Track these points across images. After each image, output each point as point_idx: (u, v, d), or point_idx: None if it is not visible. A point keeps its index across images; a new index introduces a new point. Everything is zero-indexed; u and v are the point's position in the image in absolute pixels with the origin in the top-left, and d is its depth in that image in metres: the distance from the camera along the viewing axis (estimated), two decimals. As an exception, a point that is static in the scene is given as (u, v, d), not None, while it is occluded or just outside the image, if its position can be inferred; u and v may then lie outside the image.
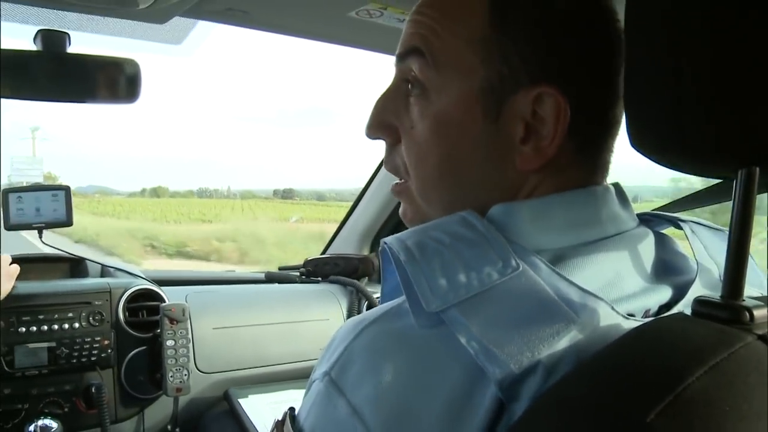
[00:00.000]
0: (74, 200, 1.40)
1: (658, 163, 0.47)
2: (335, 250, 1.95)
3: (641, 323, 0.44)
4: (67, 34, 1.07)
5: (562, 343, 0.42)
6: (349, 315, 1.61)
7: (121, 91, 1.09)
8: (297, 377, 1.49)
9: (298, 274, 1.79)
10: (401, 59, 0.57)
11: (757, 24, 0.38)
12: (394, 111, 0.59)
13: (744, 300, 0.43)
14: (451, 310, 0.44)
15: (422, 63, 0.55)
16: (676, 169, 0.47)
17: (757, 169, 0.41)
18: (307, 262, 1.79)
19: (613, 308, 0.46)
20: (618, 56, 0.53)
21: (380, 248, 0.52)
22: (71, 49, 1.08)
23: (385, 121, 0.59)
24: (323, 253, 1.96)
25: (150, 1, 0.87)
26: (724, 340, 0.39)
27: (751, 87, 0.39)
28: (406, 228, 0.58)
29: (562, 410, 0.39)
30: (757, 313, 0.41)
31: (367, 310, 1.60)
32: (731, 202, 0.43)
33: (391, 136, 0.59)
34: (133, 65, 1.09)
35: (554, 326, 0.43)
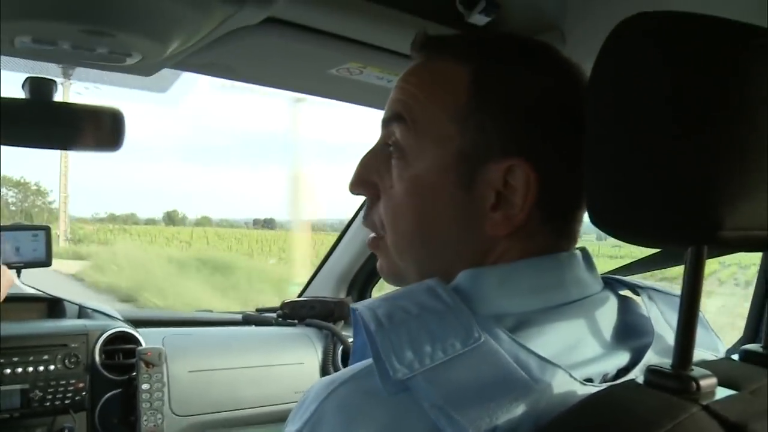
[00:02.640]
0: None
1: (615, 237, 0.51)
2: (312, 292, 1.97)
3: (597, 390, 0.47)
4: (55, 81, 1.09)
5: (520, 408, 0.45)
6: (324, 358, 1.62)
7: (106, 139, 1.11)
8: (272, 420, 1.50)
9: (274, 316, 1.81)
10: (386, 124, 0.62)
11: (705, 114, 0.42)
12: (376, 170, 0.62)
13: (692, 369, 0.46)
14: (416, 378, 0.46)
15: (403, 128, 0.59)
16: (631, 243, 0.51)
17: (705, 247, 0.45)
18: (284, 305, 1.80)
19: (570, 375, 0.48)
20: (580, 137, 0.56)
21: (351, 308, 0.54)
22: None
23: (367, 179, 0.63)
24: (300, 295, 1.98)
25: (138, 58, 0.91)
26: (669, 411, 0.42)
27: (699, 172, 0.43)
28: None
29: None
30: (703, 383, 0.45)
31: (342, 354, 1.61)
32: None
33: (372, 192, 0.63)
34: (118, 114, 1.12)
35: (513, 393, 0.46)
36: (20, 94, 1.07)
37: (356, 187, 0.64)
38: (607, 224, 0.50)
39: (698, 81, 0.42)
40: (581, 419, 0.44)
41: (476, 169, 0.56)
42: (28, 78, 1.08)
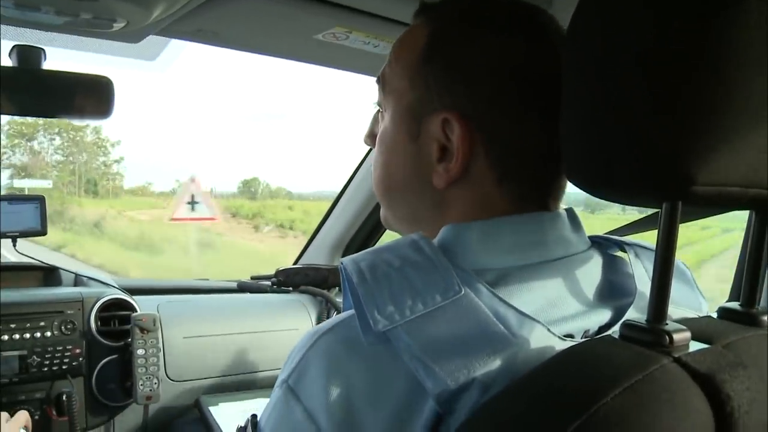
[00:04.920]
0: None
1: (591, 194, 0.51)
2: (306, 260, 1.99)
3: (574, 344, 0.48)
4: (43, 50, 1.09)
5: (498, 362, 0.46)
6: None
7: (95, 107, 1.11)
8: (267, 385, 1.53)
9: (269, 283, 1.83)
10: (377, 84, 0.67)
11: (682, 67, 0.42)
12: (378, 124, 0.68)
13: (667, 324, 0.46)
14: (396, 330, 0.48)
15: (380, 87, 0.65)
16: (607, 200, 0.52)
17: (680, 203, 0.45)
18: (278, 272, 1.82)
19: (549, 330, 0.50)
20: (539, 99, 0.57)
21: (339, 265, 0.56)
22: (46, 65, 1.10)
23: (371, 132, 0.70)
24: (295, 263, 1.99)
25: (123, 23, 0.91)
26: (641, 362, 0.43)
27: (672, 126, 0.43)
28: (377, 238, 0.66)
29: (492, 424, 0.43)
30: (676, 336, 0.45)
31: (335, 320, 1.63)
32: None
33: (375, 144, 0.69)
34: (107, 82, 1.11)
35: (491, 346, 0.47)
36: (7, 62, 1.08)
37: (365, 139, 0.71)
38: (582, 180, 0.51)
39: (675, 34, 0.42)
40: (554, 372, 0.45)
41: (420, 122, 0.59)
42: (15, 46, 1.08)
